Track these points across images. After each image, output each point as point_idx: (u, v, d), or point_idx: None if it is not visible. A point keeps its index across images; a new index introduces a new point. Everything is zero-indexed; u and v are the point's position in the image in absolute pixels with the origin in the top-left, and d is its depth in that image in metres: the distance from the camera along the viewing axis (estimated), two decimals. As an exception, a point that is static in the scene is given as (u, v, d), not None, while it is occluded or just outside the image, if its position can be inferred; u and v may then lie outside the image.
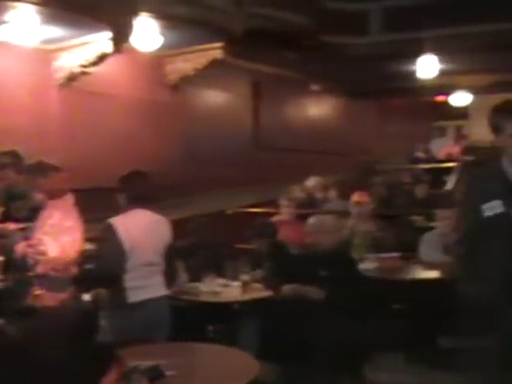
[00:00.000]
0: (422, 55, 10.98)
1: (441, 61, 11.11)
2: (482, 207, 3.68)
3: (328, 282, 5.55)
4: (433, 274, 6.69)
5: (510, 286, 3.49)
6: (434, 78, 11.65)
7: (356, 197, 7.78)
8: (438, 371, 6.15)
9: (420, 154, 16.00)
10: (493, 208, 3.65)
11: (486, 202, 3.68)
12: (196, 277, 6.09)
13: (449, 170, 13.58)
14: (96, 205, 5.84)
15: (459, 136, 17.63)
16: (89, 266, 5.05)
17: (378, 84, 14.11)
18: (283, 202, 8.11)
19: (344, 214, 7.87)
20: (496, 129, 3.70)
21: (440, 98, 16.36)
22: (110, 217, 4.86)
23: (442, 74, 11.66)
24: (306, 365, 5.35)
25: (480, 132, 15.66)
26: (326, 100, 14.60)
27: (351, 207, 7.77)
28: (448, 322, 6.49)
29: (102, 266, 4.80)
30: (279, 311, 5.60)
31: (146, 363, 3.46)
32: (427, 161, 15.28)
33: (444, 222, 7.14)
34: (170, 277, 5.08)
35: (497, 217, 3.64)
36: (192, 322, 5.53)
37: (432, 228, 7.52)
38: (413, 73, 11.58)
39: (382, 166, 14.82)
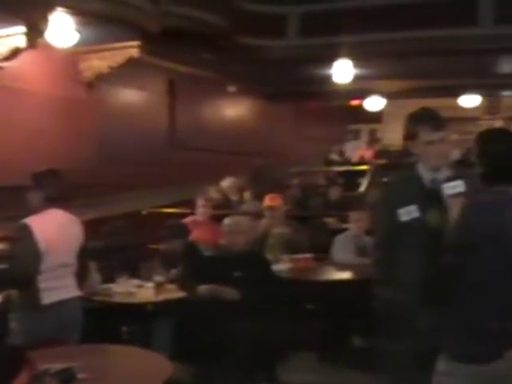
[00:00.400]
0: (337, 60, 11.15)
1: (356, 66, 11.31)
2: (398, 212, 3.74)
3: (242, 283, 5.57)
4: (345, 275, 6.80)
5: (425, 291, 3.57)
6: (350, 83, 11.85)
7: (268, 201, 7.77)
8: (351, 371, 6.25)
9: (335, 157, 16.26)
10: (409, 213, 3.71)
11: (402, 206, 3.73)
12: (110, 278, 6.02)
13: (362, 173, 13.83)
14: (7, 203, 5.72)
15: (372, 139, 18.03)
16: (0, 267, 4.92)
17: (294, 87, 14.26)
18: (198, 202, 8.09)
19: (259, 215, 7.92)
20: (411, 135, 3.78)
21: (355, 102, 16.67)
22: (22, 216, 4.75)
23: (357, 78, 11.88)
24: (221, 365, 5.36)
25: (392, 136, 16.12)
26: (243, 101, 14.67)
27: (264, 211, 7.78)
28: (361, 323, 6.63)
29: (17, 267, 4.69)
30: (194, 312, 5.59)
31: (58, 365, 3.40)
32: (341, 163, 15.54)
33: (356, 224, 7.27)
34: (81, 277, 5.01)
35: (413, 221, 3.71)
36: (105, 323, 5.46)
37: (345, 230, 7.63)
38: (329, 77, 11.76)
39: (297, 168, 14.99)
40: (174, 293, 5.92)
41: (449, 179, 3.51)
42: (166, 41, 9.07)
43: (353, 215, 7.41)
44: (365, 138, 19.22)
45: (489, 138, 3.31)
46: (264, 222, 7.61)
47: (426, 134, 3.68)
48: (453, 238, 3.18)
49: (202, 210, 7.98)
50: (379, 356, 4.02)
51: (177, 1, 9.13)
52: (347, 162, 15.62)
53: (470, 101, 15.36)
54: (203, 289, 5.63)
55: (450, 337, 3.16)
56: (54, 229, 4.74)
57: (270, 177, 12.07)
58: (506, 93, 16.01)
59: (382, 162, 13.82)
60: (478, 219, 3.10)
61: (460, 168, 3.87)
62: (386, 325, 3.92)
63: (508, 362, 3.06)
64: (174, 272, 6.31)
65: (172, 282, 6.13)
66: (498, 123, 17.56)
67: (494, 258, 3.03)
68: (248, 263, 5.75)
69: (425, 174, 3.78)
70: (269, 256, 6.92)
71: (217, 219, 7.45)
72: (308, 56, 11.46)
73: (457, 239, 3.15)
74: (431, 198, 3.65)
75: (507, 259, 3.03)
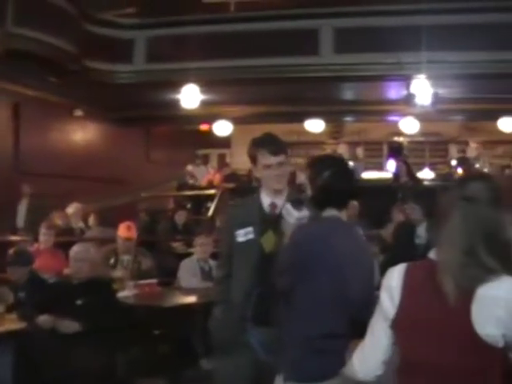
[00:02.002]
0: (185, 85, 11.25)
1: (203, 91, 11.44)
2: (236, 233, 3.86)
3: (85, 311, 5.50)
4: (190, 299, 6.84)
5: (254, 309, 3.68)
6: (197, 108, 11.95)
7: (123, 231, 7.54)
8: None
9: (184, 181, 16.29)
10: (245, 234, 3.84)
11: (240, 228, 3.85)
12: None
13: (211, 197, 13.93)
14: None
15: (221, 164, 18.20)
16: None
17: (143, 111, 14.26)
18: (42, 229, 7.90)
19: (104, 241, 7.83)
20: (253, 160, 3.89)
21: (204, 127, 16.79)
22: None
23: (205, 103, 12.02)
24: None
25: (241, 160, 16.32)
26: (91, 126, 14.50)
27: (119, 241, 7.57)
28: (206, 344, 6.70)
29: None
30: (34, 343, 5.46)
31: None
32: (191, 187, 15.59)
33: (201, 248, 7.34)
34: None
35: (248, 243, 3.83)
36: None
37: (191, 254, 7.68)
38: (177, 101, 11.82)
39: (147, 193, 14.94)
40: (14, 324, 5.74)
41: (291, 202, 3.66)
42: (11, 63, 8.87)
43: (198, 239, 7.48)
44: (214, 162, 19.42)
45: (318, 164, 3.45)
46: (109, 248, 7.52)
47: (264, 158, 3.79)
48: (282, 260, 3.31)
49: (44, 238, 7.80)
50: (216, 376, 4.10)
51: (23, 22, 8.94)
52: (196, 187, 15.69)
53: (314, 126, 15.77)
54: (42, 320, 5.51)
55: (285, 356, 3.27)
56: None
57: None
58: (348, 118, 16.66)
59: (230, 186, 13.96)
60: (305, 243, 3.24)
61: (301, 192, 4.04)
62: (220, 344, 4.01)
63: (339, 380, 3.20)
64: (15, 301, 6.13)
65: (12, 311, 5.95)
66: (342, 147, 18.25)
67: (321, 281, 3.17)
68: (91, 291, 5.69)
69: (265, 197, 3.90)
70: (115, 283, 6.87)
71: (61, 246, 7.32)
72: (155, 81, 11.52)
73: (285, 261, 3.28)
74: (269, 221, 3.80)
75: (334, 282, 3.18)
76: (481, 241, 2.18)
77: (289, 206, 3.62)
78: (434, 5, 10.77)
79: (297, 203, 3.57)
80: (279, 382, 3.26)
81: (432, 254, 2.30)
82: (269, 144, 3.84)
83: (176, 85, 11.30)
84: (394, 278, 2.32)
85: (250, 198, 4.13)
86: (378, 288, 2.48)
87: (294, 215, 3.59)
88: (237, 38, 11.10)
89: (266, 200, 3.90)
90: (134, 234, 7.57)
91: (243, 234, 3.85)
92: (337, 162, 3.47)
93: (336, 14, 10.90)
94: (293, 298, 3.25)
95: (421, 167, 16.31)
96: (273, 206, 3.86)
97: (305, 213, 3.49)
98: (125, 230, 7.51)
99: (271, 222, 3.76)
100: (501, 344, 2.16)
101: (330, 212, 3.30)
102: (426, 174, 14.89)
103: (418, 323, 2.24)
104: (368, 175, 16.29)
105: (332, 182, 3.29)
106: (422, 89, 10.67)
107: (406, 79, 11.01)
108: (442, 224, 2.24)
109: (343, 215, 3.35)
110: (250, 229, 3.84)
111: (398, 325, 2.28)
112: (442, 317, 2.19)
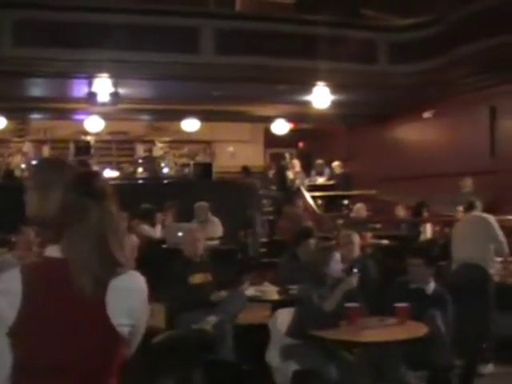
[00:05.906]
0: None
1: None
2: None
3: None
4: None
5: None
6: None
7: None
8: None
9: None
10: None
11: None
12: None
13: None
14: None
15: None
16: None
17: None
18: None
19: None
20: None
21: None
22: None
23: None
24: None
25: None
26: None
27: None
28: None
29: None
30: None
31: None
32: None
33: None
34: None
35: None
36: None
37: None
38: None
39: None
40: None
41: None
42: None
43: None
44: None
45: None
46: None
47: None
48: None
49: None
50: None
51: None
52: None
53: (-4, 123, 15.07)
54: None
55: None
56: None
57: None
58: (33, 116, 16.24)
59: None
60: None
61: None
62: None
63: None
64: None
65: None
66: (27, 146, 17.69)
67: None
68: None
69: None
70: None
71: None
72: None
73: None
74: None
75: None
76: (109, 235, 2.21)
77: None
78: (121, 4, 10.86)
79: None
80: None
81: (51, 252, 2.24)
82: None
83: None
84: (13, 282, 2.21)
85: None
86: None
87: None
88: None
89: None
90: None
91: None
92: None
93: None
94: None
95: (108, 166, 16.37)
96: None
97: None
98: None
99: None
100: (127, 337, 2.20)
101: None
102: (108, 174, 14.83)
103: (44, 325, 2.15)
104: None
105: None
106: (104, 87, 10.69)
107: (89, 77, 10.96)
108: (71, 222, 2.22)
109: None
110: None
111: (19, 330, 2.17)
112: (75, 314, 2.14)
